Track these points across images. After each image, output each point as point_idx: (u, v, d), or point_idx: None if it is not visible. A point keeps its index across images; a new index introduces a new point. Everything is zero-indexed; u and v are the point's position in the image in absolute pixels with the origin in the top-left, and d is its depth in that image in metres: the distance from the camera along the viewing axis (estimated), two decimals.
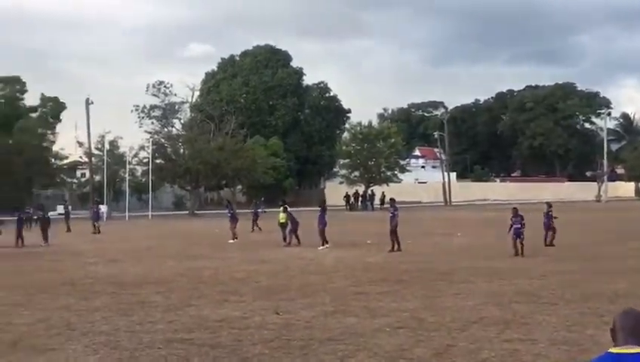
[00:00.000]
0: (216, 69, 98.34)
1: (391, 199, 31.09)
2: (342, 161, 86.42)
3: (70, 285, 19.61)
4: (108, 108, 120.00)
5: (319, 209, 31.42)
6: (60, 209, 54.60)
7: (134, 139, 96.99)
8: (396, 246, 27.75)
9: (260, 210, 43.66)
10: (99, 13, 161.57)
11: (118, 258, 27.39)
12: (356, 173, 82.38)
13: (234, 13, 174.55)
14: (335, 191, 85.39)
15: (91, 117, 67.99)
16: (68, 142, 79.94)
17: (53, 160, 73.18)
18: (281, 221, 32.33)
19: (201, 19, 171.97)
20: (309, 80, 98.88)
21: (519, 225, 25.75)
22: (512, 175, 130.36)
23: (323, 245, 29.53)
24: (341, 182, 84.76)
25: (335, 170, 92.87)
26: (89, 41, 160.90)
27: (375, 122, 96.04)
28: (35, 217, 40.90)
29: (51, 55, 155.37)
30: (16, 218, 35.66)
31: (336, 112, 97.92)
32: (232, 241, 33.90)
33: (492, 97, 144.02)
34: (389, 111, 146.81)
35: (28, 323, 13.94)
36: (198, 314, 14.72)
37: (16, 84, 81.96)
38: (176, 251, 29.92)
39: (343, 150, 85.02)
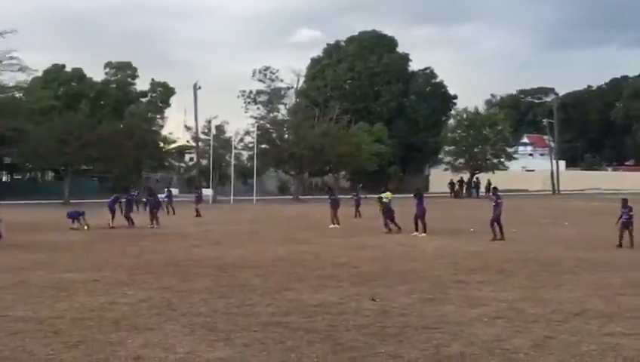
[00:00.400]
0: (321, 54, 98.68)
1: (494, 188, 30.53)
2: (447, 148, 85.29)
3: (173, 266, 20.01)
4: (215, 93, 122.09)
5: (416, 196, 30.93)
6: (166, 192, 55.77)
7: (240, 123, 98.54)
8: (499, 236, 27.23)
9: (360, 196, 43.44)
10: (210, 0, 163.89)
11: (221, 241, 27.81)
12: (461, 160, 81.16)
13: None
14: (440, 178, 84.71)
15: (199, 102, 69.29)
16: (176, 126, 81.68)
17: (161, 144, 74.87)
18: (382, 207, 32.13)
19: (312, 6, 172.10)
20: (415, 66, 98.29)
21: (628, 216, 24.94)
22: (626, 164, 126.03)
23: (420, 232, 29.23)
24: (446, 169, 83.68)
25: (440, 156, 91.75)
26: (199, 27, 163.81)
27: (482, 108, 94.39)
28: (144, 200, 41.72)
29: (162, 41, 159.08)
30: (124, 200, 36.73)
31: (442, 98, 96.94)
32: (332, 226, 33.99)
33: (605, 83, 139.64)
34: (497, 98, 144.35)
35: (130, 303, 14.26)
36: (295, 298, 14.77)
37: (127, 70, 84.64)
38: (278, 235, 30.21)
39: (448, 137, 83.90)
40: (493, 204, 28.05)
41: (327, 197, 38.62)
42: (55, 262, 20.92)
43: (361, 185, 56.97)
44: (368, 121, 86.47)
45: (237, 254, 23.12)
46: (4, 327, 12.02)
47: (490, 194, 31.59)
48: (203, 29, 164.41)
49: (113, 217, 34.55)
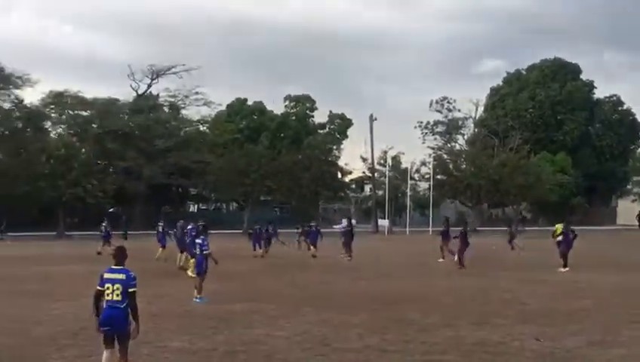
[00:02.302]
0: (501, 83, 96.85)
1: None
2: (636, 178, 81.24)
3: (337, 299, 19.84)
4: (392, 123, 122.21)
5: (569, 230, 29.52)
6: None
7: (416, 154, 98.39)
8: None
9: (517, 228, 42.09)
10: (392, 32, 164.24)
11: (390, 273, 27.50)
12: None
13: (530, 27, 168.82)
14: (628, 210, 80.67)
15: (376, 132, 69.58)
16: (353, 157, 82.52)
17: (339, 175, 75.74)
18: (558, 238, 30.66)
19: (496, 35, 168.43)
20: (600, 93, 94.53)
21: None
22: None
23: (564, 267, 27.93)
24: (634, 200, 79.72)
25: (628, 187, 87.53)
26: (379, 58, 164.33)
27: None
28: (342, 230, 40.49)
29: (341, 72, 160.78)
30: (299, 231, 37.15)
31: (630, 126, 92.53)
32: (441, 260, 32.62)
33: None
34: None
35: (286, 336, 14.17)
36: (454, 335, 14.23)
37: (307, 102, 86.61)
38: (448, 268, 29.54)
39: (637, 166, 79.96)
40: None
41: (441, 228, 36.61)
42: (224, 292, 21.22)
43: (520, 216, 54.72)
44: (550, 150, 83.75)
45: (403, 287, 22.72)
46: (158, 358, 12.23)
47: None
48: (383, 60, 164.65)
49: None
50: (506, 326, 15.28)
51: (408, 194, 68.77)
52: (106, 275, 10.10)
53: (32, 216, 66.92)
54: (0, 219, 55.01)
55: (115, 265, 10.21)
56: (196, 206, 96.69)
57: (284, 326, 15.33)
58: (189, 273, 25.80)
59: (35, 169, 58.07)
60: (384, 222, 65.64)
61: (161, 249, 33.98)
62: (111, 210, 74.75)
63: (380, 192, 71.10)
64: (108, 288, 9.98)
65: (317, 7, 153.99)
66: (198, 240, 20.31)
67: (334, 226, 72.85)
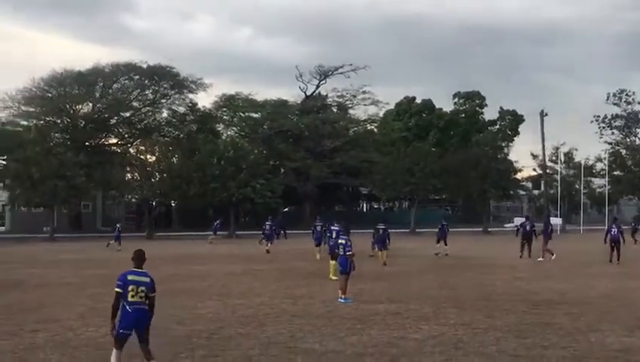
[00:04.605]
0: None
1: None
2: None
3: (485, 300, 19.17)
4: (566, 118, 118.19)
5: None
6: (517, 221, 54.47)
7: (591, 149, 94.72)
8: None
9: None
10: (567, 23, 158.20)
11: (549, 274, 26.39)
12: None
13: None
14: None
15: (548, 127, 67.57)
16: (523, 154, 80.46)
17: (512, 173, 73.80)
18: None
19: None
20: None
21: None
22: None
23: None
24: None
25: None
26: (557, 51, 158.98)
27: None
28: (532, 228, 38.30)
29: (511, 67, 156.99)
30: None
31: None
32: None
33: None
34: None
35: (419, 339, 13.76)
36: (599, 341, 13.41)
37: (476, 99, 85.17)
38: (613, 269, 28.05)
39: None
40: None
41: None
42: (372, 292, 20.98)
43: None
44: None
45: (558, 288, 21.71)
46: (282, 359, 12.14)
47: None
48: (556, 53, 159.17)
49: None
50: None
51: (582, 191, 66.05)
52: (130, 277, 10.35)
53: (206, 216, 69.38)
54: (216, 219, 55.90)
55: (136, 268, 10.51)
56: (368, 205, 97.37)
57: (421, 329, 14.91)
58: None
59: (207, 170, 60.00)
60: (557, 221, 63.44)
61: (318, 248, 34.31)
62: (285, 209, 76.55)
63: (552, 190, 68.78)
64: (132, 289, 10.24)
65: (487, 2, 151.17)
66: (341, 241, 20.12)
67: (505, 225, 71.45)
